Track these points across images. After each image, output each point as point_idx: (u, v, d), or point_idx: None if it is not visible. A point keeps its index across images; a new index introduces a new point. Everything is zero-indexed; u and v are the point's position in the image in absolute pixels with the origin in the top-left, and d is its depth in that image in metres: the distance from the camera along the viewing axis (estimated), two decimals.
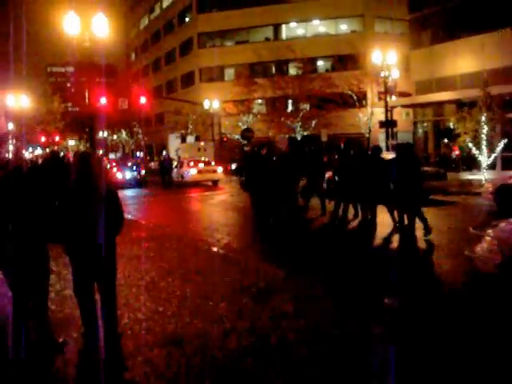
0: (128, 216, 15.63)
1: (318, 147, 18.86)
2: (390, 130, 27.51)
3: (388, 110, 37.69)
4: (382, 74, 27.46)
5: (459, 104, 25.40)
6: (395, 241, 10.94)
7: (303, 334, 5.45)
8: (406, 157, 10.84)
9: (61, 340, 5.38)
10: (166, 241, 11.34)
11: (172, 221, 15.38)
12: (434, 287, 7.37)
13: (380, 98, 44.94)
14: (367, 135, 44.32)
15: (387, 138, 26.16)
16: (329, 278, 7.87)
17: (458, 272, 7.92)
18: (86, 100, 17.36)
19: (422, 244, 10.29)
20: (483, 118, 20.48)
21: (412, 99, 29.15)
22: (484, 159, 21.12)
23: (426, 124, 32.31)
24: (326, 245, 10.93)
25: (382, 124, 26.60)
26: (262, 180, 13.40)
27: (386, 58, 26.05)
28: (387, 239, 11.14)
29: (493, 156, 21.16)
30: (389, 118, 27.62)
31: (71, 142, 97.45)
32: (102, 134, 74.22)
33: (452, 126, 28.98)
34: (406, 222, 10.89)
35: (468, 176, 24.51)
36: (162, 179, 30.47)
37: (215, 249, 10.44)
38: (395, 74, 27.87)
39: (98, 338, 5.01)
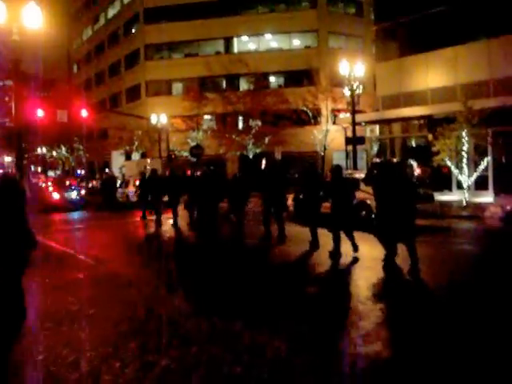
0: (63, 248, 12.76)
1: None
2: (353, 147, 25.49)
3: (343, 127, 36.15)
4: (347, 88, 25.51)
5: (430, 120, 23.73)
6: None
7: None
8: (393, 178, 9.27)
9: None
10: (112, 286, 8.55)
11: (118, 255, 12.47)
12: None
13: (335, 115, 43.57)
14: (322, 154, 42.75)
15: (354, 155, 24.11)
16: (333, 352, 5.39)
17: None
18: (12, 112, 14.41)
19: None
20: (463, 134, 18.76)
21: (379, 114, 27.36)
22: (465, 178, 19.37)
23: (378, 142, 30.66)
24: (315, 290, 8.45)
25: (349, 140, 24.57)
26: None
27: (352, 70, 24.09)
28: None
29: (475, 175, 19.46)
30: (349, 135, 25.88)
31: (8, 159, 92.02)
32: (41, 150, 70.06)
33: (413, 144, 27.58)
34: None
35: (440, 197, 22.74)
36: (104, 200, 27.23)
37: (180, 303, 7.68)
38: (359, 89, 25.95)
39: None
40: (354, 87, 23.87)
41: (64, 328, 6.31)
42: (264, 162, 32.94)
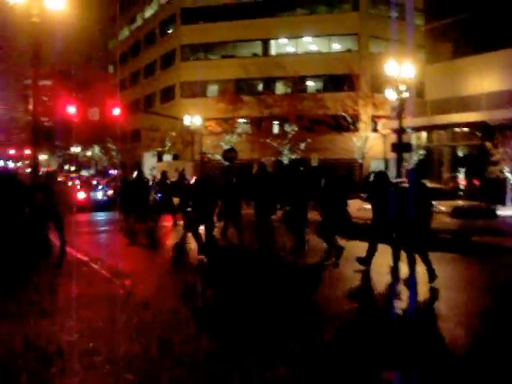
0: (78, 255, 11.39)
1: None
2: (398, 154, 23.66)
3: (384, 134, 34.29)
4: (392, 92, 23.71)
5: (485, 127, 21.77)
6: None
7: None
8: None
9: None
10: (124, 310, 7.01)
11: (137, 267, 10.92)
12: None
13: (375, 122, 41.71)
14: (360, 161, 40.98)
15: (398, 163, 22.29)
16: None
17: None
18: (30, 106, 13.23)
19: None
20: None
21: (428, 120, 25.40)
22: None
23: (423, 151, 28.74)
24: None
25: (395, 147, 22.65)
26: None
27: (400, 72, 22.26)
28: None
29: None
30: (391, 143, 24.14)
31: (42, 156, 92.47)
32: (75, 149, 69.93)
33: (463, 153, 25.62)
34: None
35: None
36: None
37: (204, 337, 6.16)
38: (406, 92, 24.10)
39: None
40: (402, 89, 22.04)
41: (51, 371, 4.82)
42: (255, 167, 31.65)
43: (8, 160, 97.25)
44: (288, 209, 12.40)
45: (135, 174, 21.44)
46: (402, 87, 22.54)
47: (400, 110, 21.78)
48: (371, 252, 10.01)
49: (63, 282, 8.82)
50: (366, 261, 10.03)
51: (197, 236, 11.56)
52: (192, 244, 11.95)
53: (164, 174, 19.04)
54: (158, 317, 6.70)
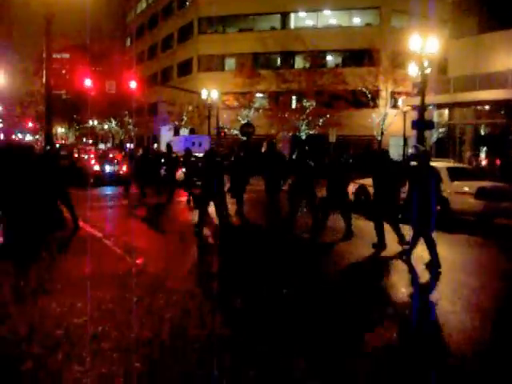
0: (91, 230, 11.21)
1: None
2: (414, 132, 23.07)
3: (403, 111, 33.50)
4: (415, 67, 23.03)
5: (509, 106, 21.08)
6: None
7: None
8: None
9: None
10: (135, 291, 6.71)
11: (151, 244, 10.70)
12: None
13: (395, 99, 40.90)
14: (379, 138, 40.35)
15: (420, 142, 21.68)
16: None
17: None
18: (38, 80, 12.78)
19: None
20: None
21: (451, 97, 24.68)
22: None
23: (441, 130, 28.06)
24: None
25: (416, 124, 22.01)
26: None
27: (423, 47, 21.50)
28: None
29: None
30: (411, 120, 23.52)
31: (60, 130, 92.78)
32: (92, 123, 69.91)
33: (486, 131, 24.94)
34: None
35: None
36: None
37: (222, 323, 5.92)
38: (429, 68, 23.35)
39: None
40: (424, 65, 21.33)
41: (56, 357, 4.60)
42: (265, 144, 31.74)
43: (26, 133, 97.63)
44: (292, 183, 12.25)
45: (140, 151, 21.22)
46: (425, 63, 21.82)
47: (422, 87, 21.11)
48: (380, 231, 9.84)
49: (74, 258, 8.63)
50: (379, 243, 9.84)
51: (203, 214, 11.23)
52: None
53: (169, 147, 18.54)
54: (169, 298, 6.46)
